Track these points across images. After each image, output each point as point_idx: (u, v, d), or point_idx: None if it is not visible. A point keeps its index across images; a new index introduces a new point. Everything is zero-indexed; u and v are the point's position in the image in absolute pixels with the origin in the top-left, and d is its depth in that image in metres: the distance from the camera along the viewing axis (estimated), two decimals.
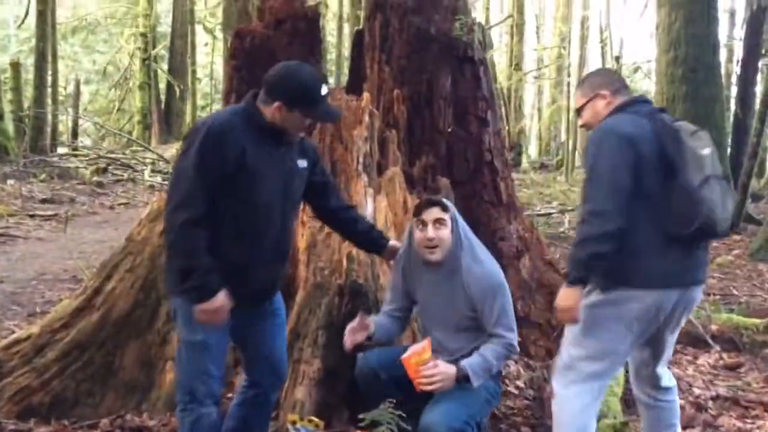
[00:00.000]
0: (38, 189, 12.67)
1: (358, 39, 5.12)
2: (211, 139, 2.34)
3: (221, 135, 2.36)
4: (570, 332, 2.68)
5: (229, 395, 3.29)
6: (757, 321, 4.89)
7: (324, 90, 2.47)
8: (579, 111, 2.82)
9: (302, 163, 2.64)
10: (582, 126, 2.88)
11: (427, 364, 2.64)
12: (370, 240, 3.03)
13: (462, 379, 2.65)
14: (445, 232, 2.82)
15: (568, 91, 21.46)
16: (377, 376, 2.87)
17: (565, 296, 2.50)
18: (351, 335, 2.86)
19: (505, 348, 2.77)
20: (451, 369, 2.65)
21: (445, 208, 2.84)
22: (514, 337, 2.82)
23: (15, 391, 3.40)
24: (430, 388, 2.62)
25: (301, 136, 2.59)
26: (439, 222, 2.80)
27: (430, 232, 2.79)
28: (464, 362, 2.69)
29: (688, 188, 2.40)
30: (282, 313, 2.78)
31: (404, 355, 2.67)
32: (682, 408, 3.60)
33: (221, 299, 2.37)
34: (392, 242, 3.09)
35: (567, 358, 2.67)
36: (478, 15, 20.16)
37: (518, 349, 2.91)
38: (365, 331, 2.88)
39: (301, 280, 3.58)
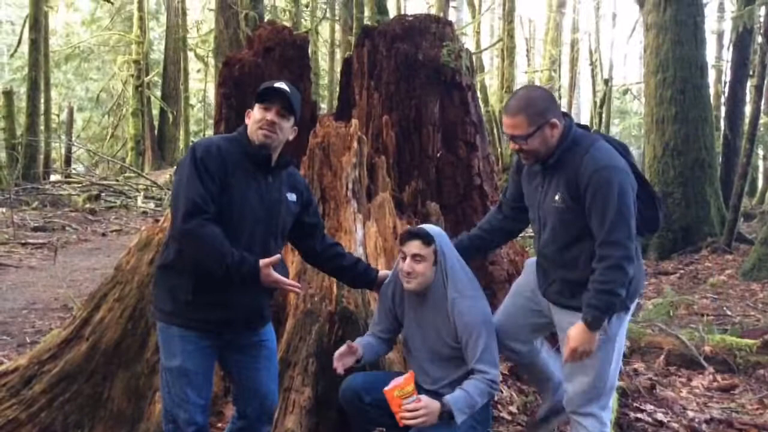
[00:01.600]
0: (30, 217, 12.63)
1: (347, 66, 5.15)
2: (200, 153, 2.43)
3: (208, 150, 2.45)
4: (597, 359, 2.67)
5: (219, 425, 3.26)
6: (750, 342, 4.88)
7: (279, 84, 2.53)
8: (523, 137, 2.58)
9: (291, 196, 2.67)
10: (523, 152, 2.64)
11: (410, 398, 2.60)
12: (356, 274, 3.00)
13: (445, 415, 2.61)
14: (423, 266, 2.84)
15: None
16: (361, 399, 2.86)
17: (590, 340, 2.56)
18: (340, 360, 2.84)
19: (488, 384, 2.74)
20: (435, 404, 2.60)
21: (427, 242, 2.85)
22: (497, 374, 2.81)
23: (2, 423, 3.35)
24: (413, 422, 2.57)
25: (273, 142, 2.54)
26: (417, 257, 2.83)
27: (407, 265, 2.84)
28: (447, 398, 2.65)
29: (655, 194, 2.72)
30: (271, 345, 2.76)
31: (386, 388, 2.62)
32: (676, 431, 3.59)
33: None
34: (381, 272, 3.09)
35: (606, 379, 2.70)
36: (468, 39, 20.34)
37: (499, 386, 2.91)
38: (354, 355, 2.88)
39: (291, 307, 3.56)
